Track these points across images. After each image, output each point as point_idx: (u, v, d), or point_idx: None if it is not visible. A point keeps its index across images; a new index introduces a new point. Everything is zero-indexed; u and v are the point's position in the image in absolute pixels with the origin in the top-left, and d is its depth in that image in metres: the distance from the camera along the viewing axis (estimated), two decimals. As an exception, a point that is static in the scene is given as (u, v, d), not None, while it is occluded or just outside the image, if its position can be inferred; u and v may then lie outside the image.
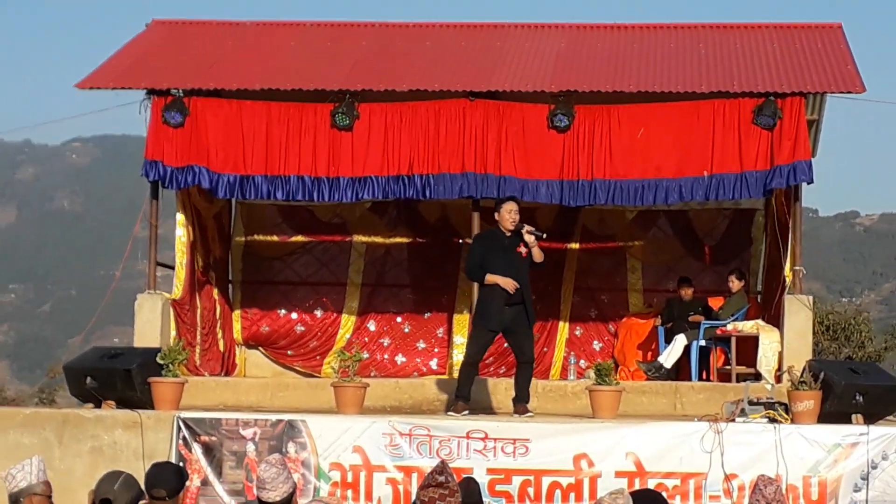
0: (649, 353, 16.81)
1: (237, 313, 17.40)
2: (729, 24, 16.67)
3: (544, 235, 12.53)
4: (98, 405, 12.46)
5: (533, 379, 12.81)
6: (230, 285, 17.48)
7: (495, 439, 11.08)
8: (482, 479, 10.76)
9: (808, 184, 14.57)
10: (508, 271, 12.34)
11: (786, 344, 14.43)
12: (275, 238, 17.83)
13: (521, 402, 12.30)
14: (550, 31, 16.72)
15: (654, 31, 16.64)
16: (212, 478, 11.22)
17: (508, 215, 12.48)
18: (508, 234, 12.48)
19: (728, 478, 10.87)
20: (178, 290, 15.39)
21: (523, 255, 12.40)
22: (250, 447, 11.22)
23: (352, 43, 16.35)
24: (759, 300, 16.80)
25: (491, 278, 12.33)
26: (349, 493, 11.08)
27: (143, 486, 7.55)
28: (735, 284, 16.08)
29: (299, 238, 17.84)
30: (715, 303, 16.42)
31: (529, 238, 12.38)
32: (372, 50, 16.15)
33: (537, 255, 12.41)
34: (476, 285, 13.26)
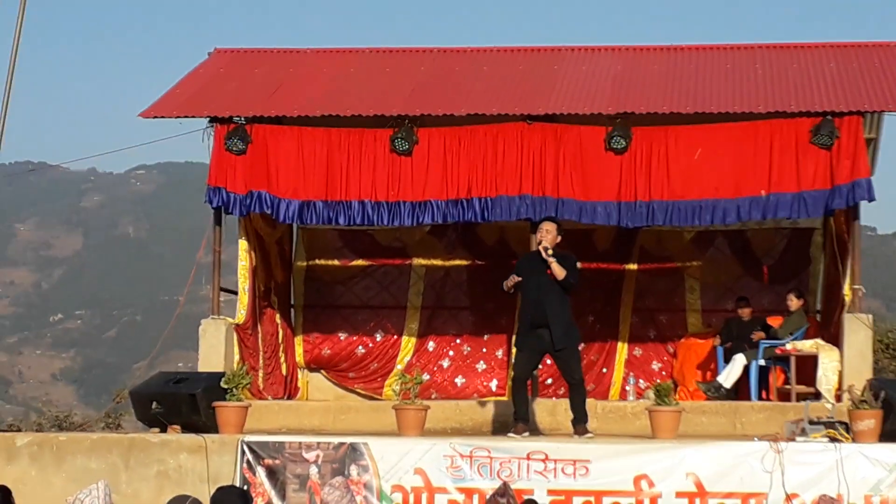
0: (708, 373, 16.78)
1: (299, 337, 17.57)
2: (785, 44, 16.65)
3: (550, 252, 12.49)
4: (164, 430, 12.62)
5: (593, 400, 12.80)
6: (292, 309, 17.65)
7: (555, 460, 11.11)
8: (543, 500, 10.82)
9: (869, 202, 14.52)
10: (532, 292, 12.46)
11: (846, 363, 14.37)
12: (336, 262, 17.99)
13: (580, 423, 12.34)
14: (606, 54, 16.79)
15: (709, 52, 16.66)
16: (276, 501, 11.32)
17: (536, 234, 12.58)
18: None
19: (789, 498, 10.83)
20: (241, 314, 15.56)
21: (552, 278, 12.46)
22: (313, 470, 11.33)
23: (410, 69, 16.49)
24: (818, 319, 16.73)
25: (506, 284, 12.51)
26: (411, 514, 11.17)
27: (208, 509, 7.69)
28: (794, 303, 16.03)
29: (360, 262, 17.99)
30: (774, 322, 16.37)
31: (545, 255, 12.46)
32: (430, 75, 16.29)
33: (557, 272, 12.40)
34: None
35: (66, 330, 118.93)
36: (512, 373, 13.09)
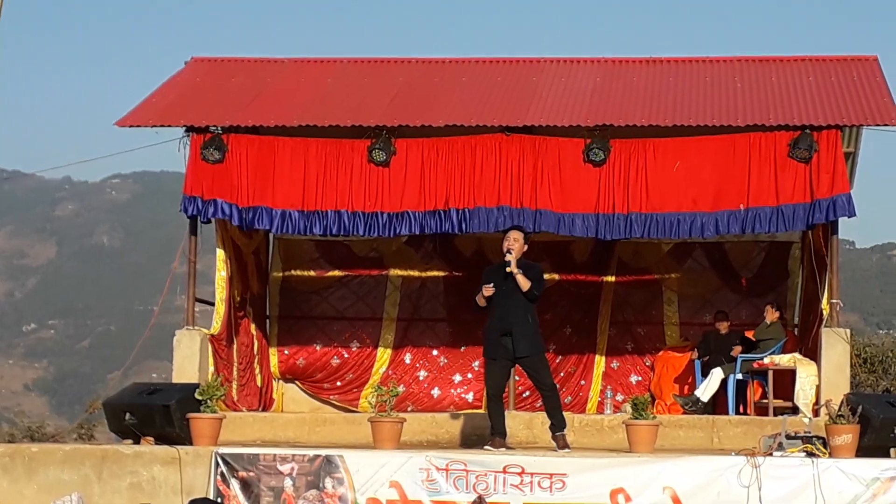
0: (686, 387, 16.78)
1: (274, 348, 17.49)
2: (764, 58, 16.67)
3: (511, 263, 12.28)
4: (137, 441, 12.53)
5: (570, 413, 12.69)
6: (267, 320, 17.58)
7: (532, 474, 11.07)
8: (519, 513, 10.78)
9: (849, 217, 14.51)
10: (497, 300, 12.27)
11: (823, 377, 14.37)
12: (312, 273, 17.94)
13: (558, 430, 12.23)
14: (585, 66, 16.79)
15: (689, 64, 16.67)
16: (250, 513, 11.26)
17: (504, 243, 12.48)
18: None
19: (766, 512, 10.82)
20: (216, 325, 15.48)
21: (516, 287, 12.35)
22: (288, 482, 11.26)
23: (388, 79, 16.46)
24: (796, 333, 16.74)
25: (478, 298, 12.36)
26: (387, 527, 11.10)
27: (181, 522, 7.63)
28: (770, 315, 16.05)
29: (336, 272, 17.95)
30: (752, 336, 16.37)
31: (510, 269, 12.35)
32: (408, 86, 16.25)
33: (522, 284, 12.24)
34: None
35: (39, 339, 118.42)
36: (486, 388, 12.97)
